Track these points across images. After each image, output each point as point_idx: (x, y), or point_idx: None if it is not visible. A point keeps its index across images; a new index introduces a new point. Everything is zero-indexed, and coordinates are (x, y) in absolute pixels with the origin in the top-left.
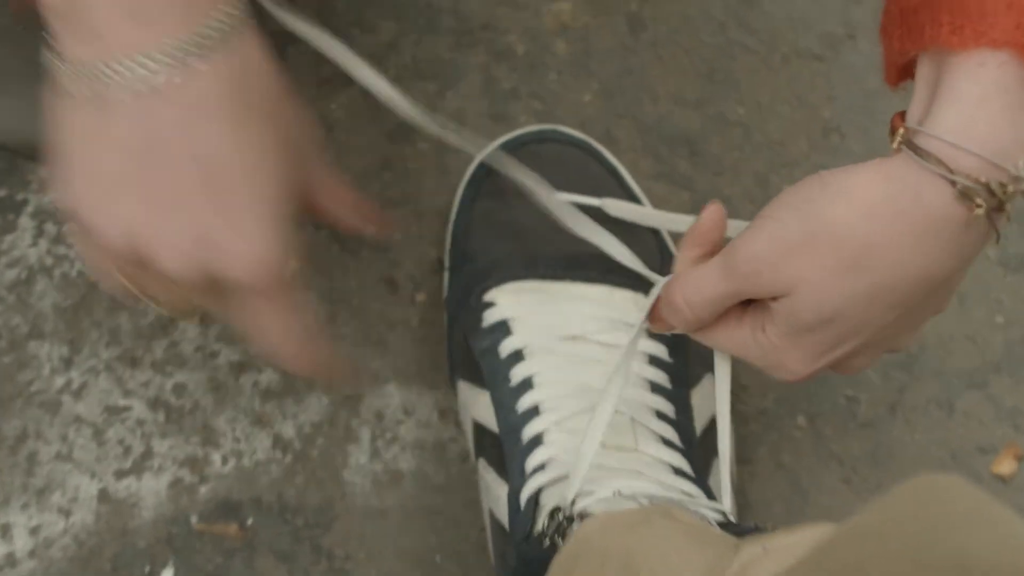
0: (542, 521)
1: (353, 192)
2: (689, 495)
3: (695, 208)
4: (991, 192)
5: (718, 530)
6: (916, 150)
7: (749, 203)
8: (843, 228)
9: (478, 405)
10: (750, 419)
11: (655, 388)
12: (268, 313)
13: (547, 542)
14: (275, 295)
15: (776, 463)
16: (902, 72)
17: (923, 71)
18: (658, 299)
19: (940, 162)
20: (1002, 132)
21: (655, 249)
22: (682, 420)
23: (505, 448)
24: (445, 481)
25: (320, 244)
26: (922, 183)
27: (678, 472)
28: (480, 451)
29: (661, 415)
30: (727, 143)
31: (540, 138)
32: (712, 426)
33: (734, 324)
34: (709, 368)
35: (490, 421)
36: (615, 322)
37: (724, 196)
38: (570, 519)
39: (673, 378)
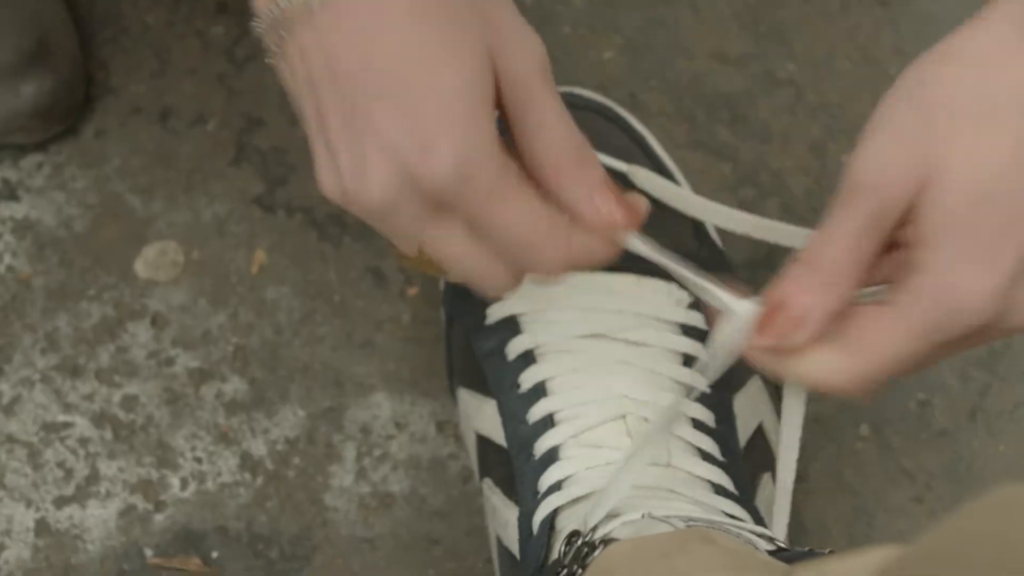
0: (559, 548)
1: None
2: (731, 516)
3: (738, 182)
4: None
5: (766, 556)
6: None
7: (804, 176)
8: (962, 86)
9: (482, 416)
10: (804, 427)
11: (690, 391)
12: (506, 212)
13: (564, 572)
14: (500, 192)
15: (836, 480)
16: None
17: None
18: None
19: None
20: None
21: (688, 229)
22: (723, 430)
23: (515, 465)
24: (444, 505)
25: (294, 230)
26: None
27: (719, 490)
28: (485, 469)
29: (699, 424)
30: (775, 106)
31: None
32: (759, 437)
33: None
34: (755, 368)
35: (497, 434)
36: (643, 317)
37: (772, 168)
38: (592, 545)
39: (714, 382)
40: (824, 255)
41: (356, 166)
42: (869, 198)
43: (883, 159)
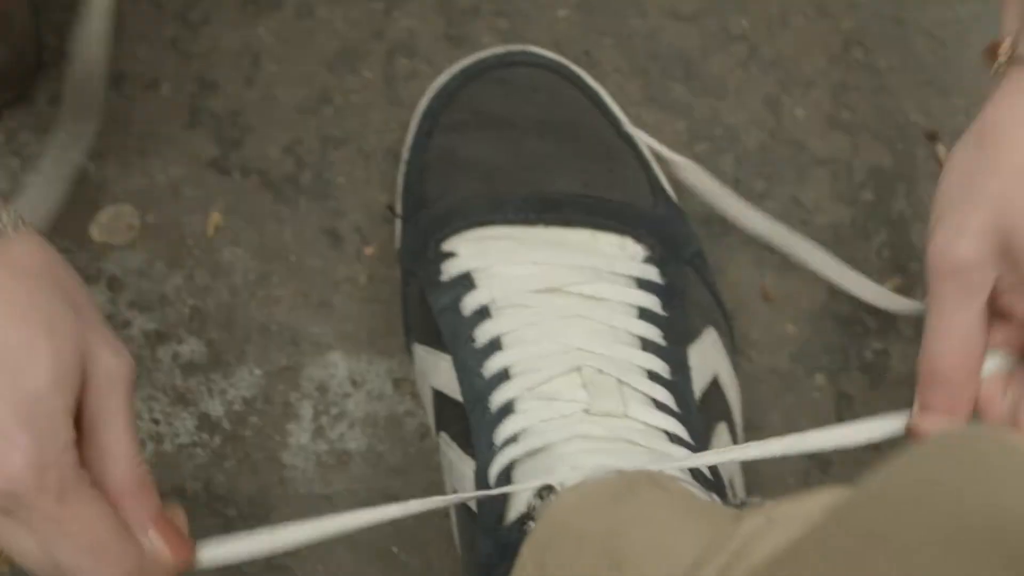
0: (528, 500)
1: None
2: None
3: (692, 138)
4: None
5: (715, 500)
6: None
7: (758, 130)
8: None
9: (438, 371)
10: (760, 380)
11: (646, 345)
12: (64, 524)
13: (528, 524)
14: (73, 495)
15: (793, 430)
16: None
17: None
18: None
19: None
20: None
21: (644, 183)
22: (678, 381)
23: (471, 419)
24: (401, 461)
25: (248, 190)
26: None
27: (675, 439)
28: (441, 424)
29: (654, 376)
30: (729, 62)
31: (507, 61)
32: (714, 388)
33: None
34: (710, 321)
35: (452, 389)
36: (599, 271)
37: (727, 123)
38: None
39: (667, 334)
40: (945, 364)
41: None
42: (960, 278)
43: (960, 235)
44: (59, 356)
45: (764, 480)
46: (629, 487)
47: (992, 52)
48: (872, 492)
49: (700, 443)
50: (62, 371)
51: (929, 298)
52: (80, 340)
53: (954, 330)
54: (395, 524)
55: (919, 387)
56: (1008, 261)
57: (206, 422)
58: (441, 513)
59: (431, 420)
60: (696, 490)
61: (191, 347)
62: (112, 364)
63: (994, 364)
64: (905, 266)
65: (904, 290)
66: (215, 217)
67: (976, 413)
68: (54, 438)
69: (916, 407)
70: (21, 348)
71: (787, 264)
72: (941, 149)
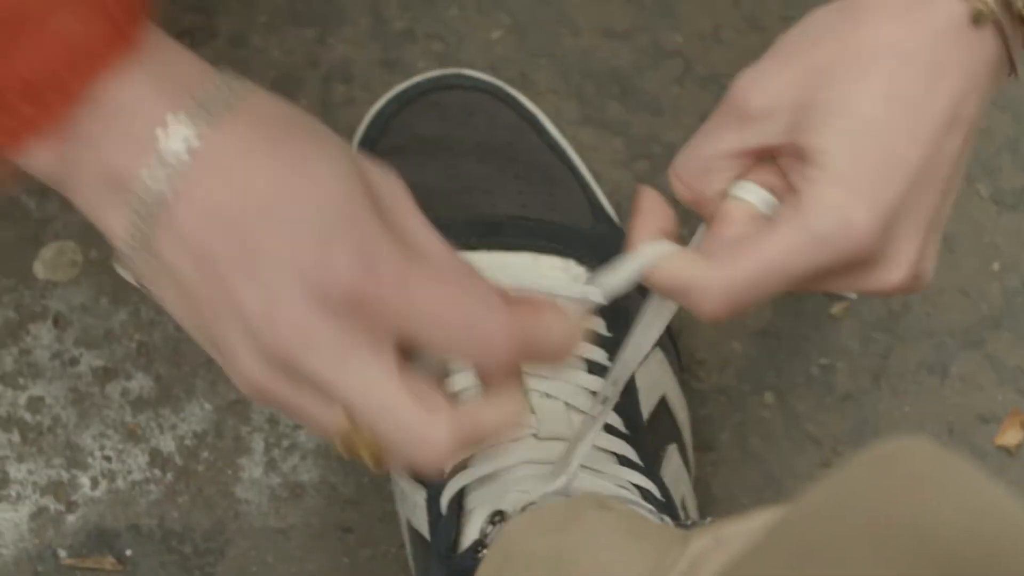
0: (479, 527)
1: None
2: (638, 487)
3: (631, 156)
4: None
5: (667, 521)
6: None
7: None
8: (853, 34)
9: None
10: (708, 399)
11: (592, 367)
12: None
13: (483, 552)
14: (413, 277)
15: (742, 449)
16: None
17: None
18: None
19: None
20: None
21: (584, 204)
22: (626, 403)
23: None
24: (355, 493)
25: None
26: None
27: (624, 461)
28: None
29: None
30: (664, 79)
31: (442, 85)
32: (662, 408)
33: (761, 229)
34: (657, 341)
35: None
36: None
37: (665, 140)
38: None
39: (613, 355)
40: (689, 169)
41: (267, 304)
42: (759, 126)
43: (785, 93)
44: (349, 169)
45: (717, 500)
46: (575, 511)
47: None
48: (807, 506)
49: (650, 464)
50: (354, 181)
51: (717, 117)
52: (355, 160)
53: (708, 147)
54: (351, 556)
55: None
56: (805, 123)
57: (158, 458)
58: (399, 543)
59: None
60: (646, 512)
61: (139, 382)
62: (387, 178)
63: (746, 190)
64: None
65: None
66: None
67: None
68: (372, 236)
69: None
70: (316, 161)
71: None
72: None
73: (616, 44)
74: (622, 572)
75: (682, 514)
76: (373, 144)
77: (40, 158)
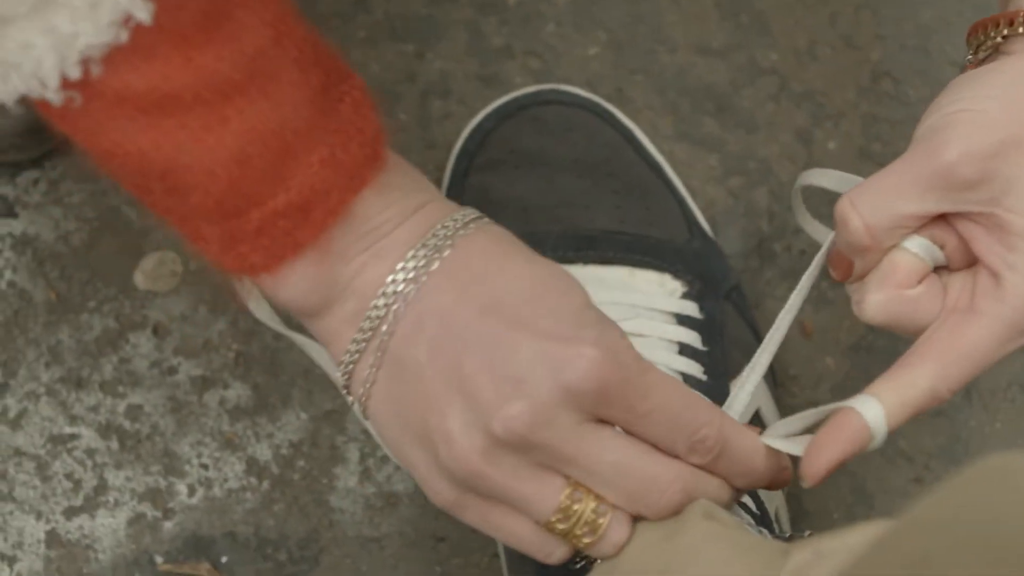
0: None
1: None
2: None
3: (726, 172)
4: None
5: (763, 533)
6: None
7: (790, 163)
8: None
9: None
10: None
11: (688, 380)
12: None
13: (580, 562)
14: (651, 373)
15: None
16: None
17: None
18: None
19: None
20: None
21: (680, 219)
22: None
23: None
24: None
25: None
26: None
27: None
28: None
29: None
30: (760, 95)
31: (540, 100)
32: (756, 422)
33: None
34: (750, 355)
35: None
36: (638, 308)
37: (760, 157)
38: None
39: (708, 369)
40: (877, 219)
41: (508, 386)
42: (956, 191)
43: (985, 159)
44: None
45: (809, 514)
46: (682, 520)
47: (992, 23)
48: (914, 520)
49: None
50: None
51: (901, 159)
52: None
53: (905, 205)
54: (444, 566)
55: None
56: (1001, 205)
57: (254, 466)
58: (492, 552)
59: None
60: (746, 524)
61: (237, 392)
62: None
63: (920, 245)
64: None
65: None
66: None
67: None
68: (613, 328)
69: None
70: (556, 267)
71: (825, 298)
72: None
73: (712, 61)
74: None
75: (776, 527)
76: (472, 158)
77: (296, 280)
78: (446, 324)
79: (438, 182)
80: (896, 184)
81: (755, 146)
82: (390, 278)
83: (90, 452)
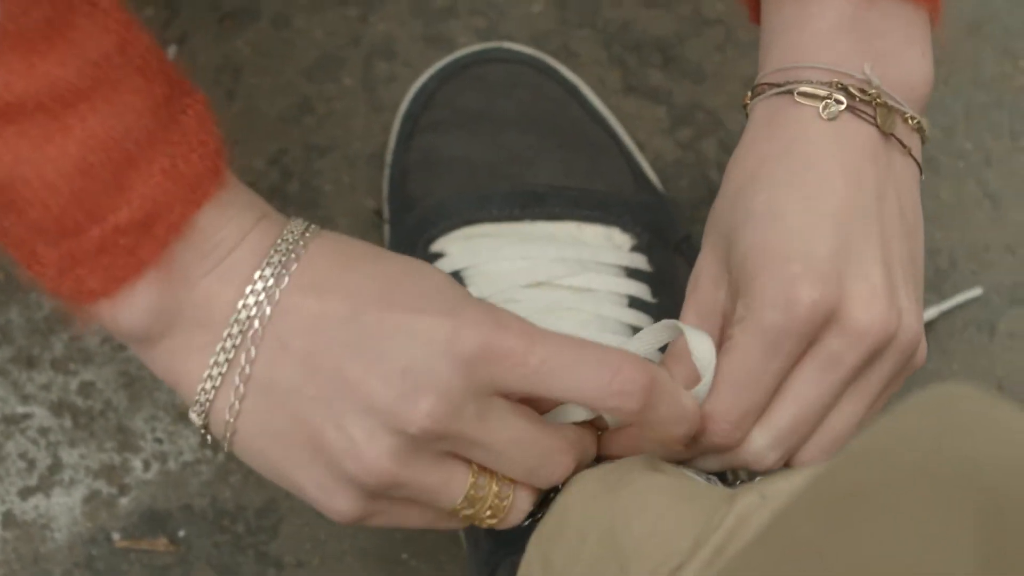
0: None
1: None
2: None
3: (674, 124)
4: (848, 92)
5: (712, 480)
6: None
7: (739, 113)
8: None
9: None
10: None
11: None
12: None
13: (528, 520)
14: (538, 335)
15: None
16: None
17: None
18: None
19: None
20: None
21: (627, 172)
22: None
23: None
24: None
25: None
26: (782, 109)
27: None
28: None
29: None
30: (706, 46)
31: (483, 58)
32: None
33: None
34: None
35: None
36: (586, 263)
37: (708, 107)
38: (556, 490)
39: (658, 321)
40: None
41: (400, 381)
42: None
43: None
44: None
45: None
46: (626, 472)
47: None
48: (853, 454)
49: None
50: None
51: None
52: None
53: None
54: (404, 531)
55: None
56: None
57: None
58: None
59: None
60: (693, 473)
61: None
62: None
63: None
64: None
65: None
66: None
67: None
68: (488, 305)
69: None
70: (410, 259)
71: None
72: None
73: (657, 12)
74: (672, 534)
75: (730, 475)
76: (416, 119)
77: (138, 304)
78: (314, 337)
79: (384, 145)
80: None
81: (703, 96)
82: (240, 303)
83: (43, 431)
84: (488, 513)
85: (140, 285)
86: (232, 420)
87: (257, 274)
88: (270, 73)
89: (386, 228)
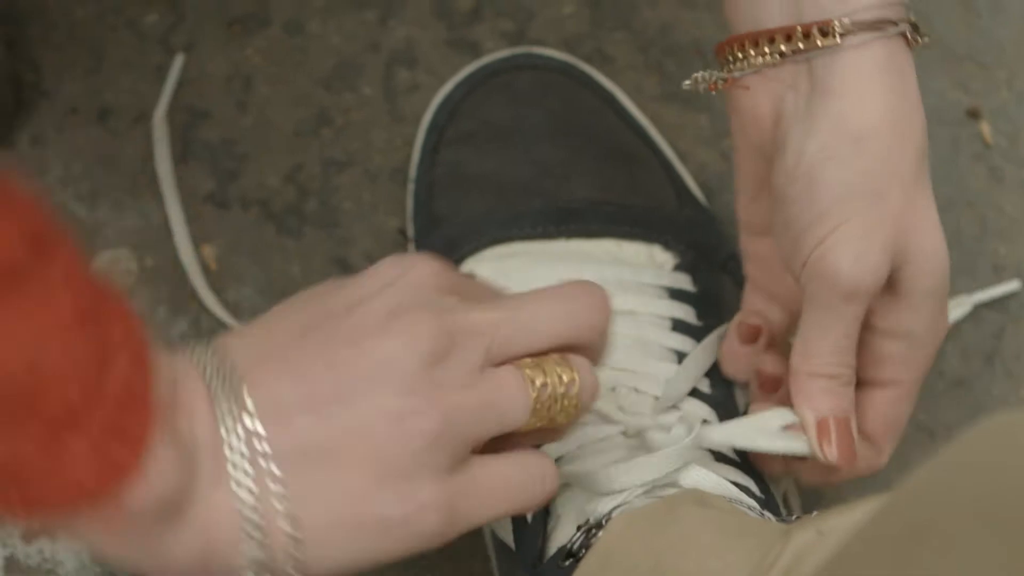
0: (571, 537)
1: None
2: (736, 484)
3: (717, 133)
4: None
5: (766, 516)
6: None
7: None
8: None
9: None
10: None
11: (683, 359)
12: None
13: (569, 562)
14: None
15: None
16: None
17: None
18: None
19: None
20: None
21: (668, 186)
22: (720, 395)
23: None
24: None
25: (249, 224)
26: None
27: (719, 457)
28: None
29: (693, 392)
30: None
31: (513, 65)
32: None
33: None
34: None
35: None
36: (626, 283)
37: None
38: (599, 525)
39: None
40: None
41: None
42: (860, 301)
43: (866, 257)
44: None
45: (823, 497)
46: (674, 510)
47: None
48: (913, 488)
49: (747, 458)
50: None
51: (818, 307)
52: None
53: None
54: (434, 574)
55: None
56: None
57: None
58: (484, 557)
59: None
60: (746, 508)
61: None
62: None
63: None
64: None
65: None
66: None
67: None
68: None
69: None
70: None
71: None
72: (985, 127)
73: (697, 14)
74: (723, 573)
75: (784, 511)
76: (442, 131)
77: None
78: (305, 406)
79: (407, 159)
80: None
81: None
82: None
83: None
84: (564, 404)
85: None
86: (290, 522)
87: (221, 431)
88: (283, 82)
89: (410, 248)
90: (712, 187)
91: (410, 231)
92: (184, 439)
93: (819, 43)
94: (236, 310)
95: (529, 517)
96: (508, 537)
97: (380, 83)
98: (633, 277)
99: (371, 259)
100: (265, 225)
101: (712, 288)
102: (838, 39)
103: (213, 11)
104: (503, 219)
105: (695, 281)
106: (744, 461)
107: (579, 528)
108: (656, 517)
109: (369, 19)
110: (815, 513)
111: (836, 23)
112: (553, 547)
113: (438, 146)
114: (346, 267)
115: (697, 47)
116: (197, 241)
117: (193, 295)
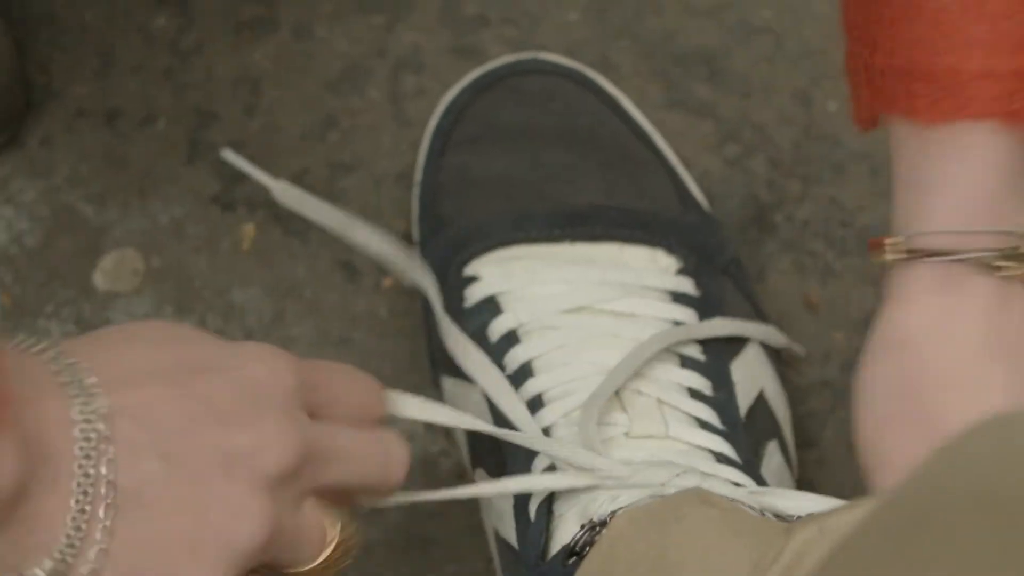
0: (574, 535)
1: None
2: (738, 485)
3: (721, 140)
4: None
5: (764, 516)
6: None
7: (789, 127)
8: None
9: (469, 404)
10: (811, 394)
11: (685, 362)
12: None
13: (573, 559)
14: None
15: (848, 445)
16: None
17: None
18: None
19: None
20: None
21: (671, 191)
22: (721, 398)
23: (506, 451)
24: (439, 505)
25: (257, 227)
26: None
27: (721, 459)
28: (476, 460)
29: (695, 393)
30: (754, 56)
31: (518, 70)
32: (760, 404)
33: None
34: (752, 336)
35: (486, 421)
36: (629, 287)
37: (756, 122)
38: (604, 524)
39: (707, 348)
40: None
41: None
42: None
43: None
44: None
45: (822, 492)
46: (677, 508)
47: (879, 246)
48: (913, 482)
49: (749, 462)
50: None
51: None
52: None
53: None
54: (437, 572)
55: None
56: None
57: None
58: (487, 557)
59: (465, 457)
60: (748, 508)
61: None
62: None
63: None
64: None
65: None
66: (249, 230)
67: None
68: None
69: None
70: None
71: (831, 270)
72: None
73: (701, 21)
74: (726, 571)
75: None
76: (448, 135)
77: None
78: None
79: (413, 162)
80: None
81: (751, 110)
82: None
83: None
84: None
85: None
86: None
87: (75, 443)
88: (291, 86)
89: (416, 250)
90: (715, 192)
91: (415, 234)
92: (29, 437)
93: None
94: (242, 311)
95: (532, 516)
96: (511, 536)
97: (387, 88)
98: (636, 280)
99: (376, 263)
100: (272, 227)
101: (714, 292)
102: None
103: (222, 15)
104: (508, 222)
105: (697, 285)
106: (747, 463)
107: (582, 527)
108: (659, 515)
109: (376, 24)
110: (816, 512)
111: None
112: (556, 546)
113: (444, 150)
114: (352, 270)
115: (701, 55)
116: (199, 242)
117: (198, 295)
